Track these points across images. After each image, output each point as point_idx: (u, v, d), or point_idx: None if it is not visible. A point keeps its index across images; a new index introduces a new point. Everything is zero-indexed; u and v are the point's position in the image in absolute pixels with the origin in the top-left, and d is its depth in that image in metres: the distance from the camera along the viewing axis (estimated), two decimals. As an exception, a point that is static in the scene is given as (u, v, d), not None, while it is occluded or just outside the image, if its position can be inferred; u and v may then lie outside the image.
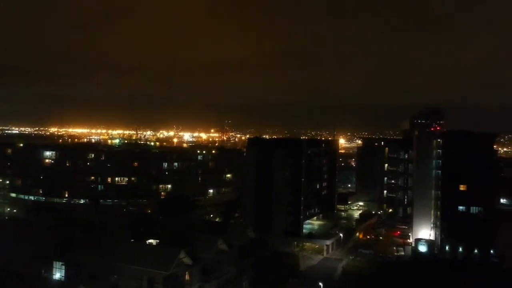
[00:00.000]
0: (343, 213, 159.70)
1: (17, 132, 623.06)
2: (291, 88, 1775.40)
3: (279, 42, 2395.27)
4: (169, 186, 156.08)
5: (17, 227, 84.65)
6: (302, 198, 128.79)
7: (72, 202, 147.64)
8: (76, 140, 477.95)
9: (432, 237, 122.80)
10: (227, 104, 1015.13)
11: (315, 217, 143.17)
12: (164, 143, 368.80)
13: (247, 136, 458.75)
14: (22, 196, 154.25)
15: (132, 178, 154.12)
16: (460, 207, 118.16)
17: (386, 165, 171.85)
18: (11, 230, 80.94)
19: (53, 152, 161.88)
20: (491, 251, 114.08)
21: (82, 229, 78.44)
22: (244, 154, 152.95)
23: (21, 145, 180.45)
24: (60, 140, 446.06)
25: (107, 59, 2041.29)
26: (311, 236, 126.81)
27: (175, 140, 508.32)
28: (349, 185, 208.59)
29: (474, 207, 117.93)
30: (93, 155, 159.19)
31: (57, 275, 70.70)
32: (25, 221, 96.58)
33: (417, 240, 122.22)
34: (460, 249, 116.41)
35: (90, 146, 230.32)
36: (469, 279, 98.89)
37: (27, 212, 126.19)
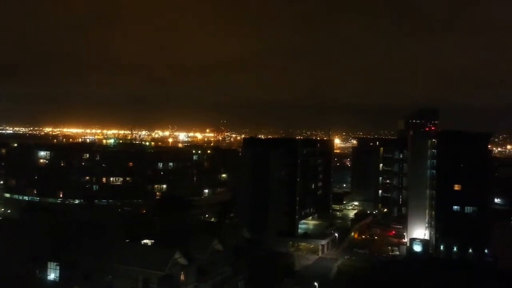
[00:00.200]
0: (338, 213, 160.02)
1: (11, 132, 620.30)
2: (287, 88, 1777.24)
3: (275, 42, 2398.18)
4: (164, 186, 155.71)
5: (11, 227, 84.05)
6: (298, 198, 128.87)
7: (67, 202, 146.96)
8: (70, 140, 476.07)
9: (426, 237, 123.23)
10: (223, 104, 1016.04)
11: (310, 217, 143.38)
12: (159, 143, 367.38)
13: (243, 136, 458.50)
14: (16, 196, 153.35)
15: (127, 178, 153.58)
16: (455, 207, 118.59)
17: (381, 165, 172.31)
18: (5, 231, 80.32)
19: (48, 152, 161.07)
20: (486, 251, 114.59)
21: (77, 230, 78.01)
22: (240, 154, 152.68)
23: (15, 145, 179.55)
24: (55, 140, 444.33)
25: (102, 59, 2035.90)
26: (307, 236, 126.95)
27: (170, 140, 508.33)
28: (344, 185, 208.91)
29: (468, 207, 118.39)
30: (88, 155, 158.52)
31: (52, 275, 70.40)
32: (19, 222, 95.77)
33: (412, 240, 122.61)
34: (455, 249, 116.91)
35: (85, 146, 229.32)
36: (464, 278, 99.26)
37: (21, 213, 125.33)
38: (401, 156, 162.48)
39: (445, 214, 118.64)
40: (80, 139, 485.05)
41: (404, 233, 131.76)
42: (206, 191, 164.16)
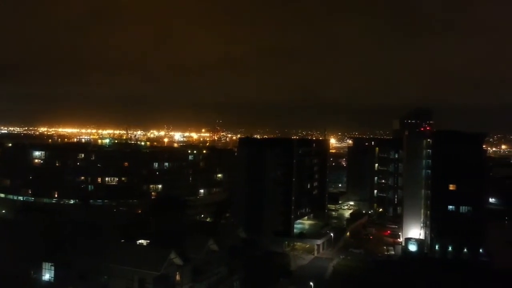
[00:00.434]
0: (334, 213, 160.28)
1: (5, 132, 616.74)
2: (282, 87, 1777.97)
3: (270, 42, 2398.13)
4: (160, 186, 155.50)
5: (6, 227, 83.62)
6: (293, 198, 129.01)
7: (62, 202, 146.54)
8: (66, 140, 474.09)
9: (422, 237, 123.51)
10: (218, 104, 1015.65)
11: (306, 217, 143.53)
12: (155, 143, 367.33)
13: (238, 136, 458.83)
14: (11, 197, 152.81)
15: (123, 178, 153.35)
16: (450, 207, 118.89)
17: (377, 164, 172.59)
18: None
19: (43, 152, 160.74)
20: (481, 251, 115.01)
21: (72, 230, 77.72)
22: (235, 154, 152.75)
23: (10, 145, 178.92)
24: (50, 140, 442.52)
25: (97, 58, 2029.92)
26: (302, 235, 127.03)
27: (165, 140, 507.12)
28: (340, 185, 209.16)
29: (463, 207, 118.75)
30: (83, 155, 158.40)
31: (47, 276, 70.19)
32: (14, 222, 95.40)
33: (407, 240, 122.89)
34: (450, 248, 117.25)
35: (80, 146, 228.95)
36: (459, 278, 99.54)
37: (16, 213, 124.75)
38: (396, 156, 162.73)
39: (440, 214, 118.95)
40: (75, 139, 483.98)
41: (400, 233, 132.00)
42: (202, 191, 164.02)
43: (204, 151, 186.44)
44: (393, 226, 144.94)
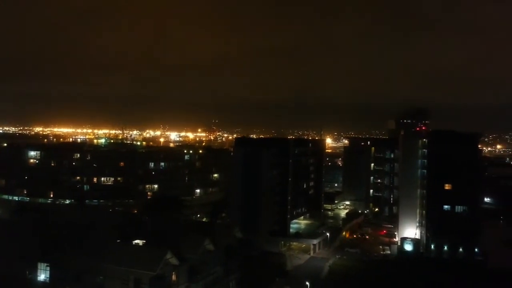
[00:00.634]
0: (330, 213, 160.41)
1: (0, 131, 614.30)
2: (278, 87, 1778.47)
3: (266, 41, 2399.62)
4: (156, 186, 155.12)
5: (1, 228, 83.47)
6: (289, 198, 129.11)
7: (57, 202, 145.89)
8: (61, 139, 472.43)
9: (417, 236, 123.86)
10: (214, 104, 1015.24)
11: (302, 217, 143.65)
12: (151, 143, 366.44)
13: (234, 135, 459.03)
14: (6, 197, 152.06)
15: (118, 178, 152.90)
16: (445, 206, 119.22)
17: (372, 164, 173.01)
18: (-6, 231, 79.75)
19: (38, 152, 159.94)
20: (476, 250, 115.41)
21: (68, 230, 77.58)
22: (231, 153, 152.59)
23: (5, 145, 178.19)
24: (45, 140, 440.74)
25: (93, 58, 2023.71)
26: (298, 235, 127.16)
27: (161, 139, 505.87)
28: (336, 185, 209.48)
29: (459, 206, 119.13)
30: (78, 155, 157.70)
31: (42, 276, 70.01)
32: (9, 222, 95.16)
33: (403, 239, 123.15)
34: (445, 248, 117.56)
35: (76, 146, 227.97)
36: (454, 277, 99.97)
37: (11, 213, 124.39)
38: (392, 156, 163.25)
39: (436, 214, 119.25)
40: (70, 139, 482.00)
41: (395, 232, 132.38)
42: (198, 191, 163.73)
43: (200, 151, 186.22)
44: (389, 226, 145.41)
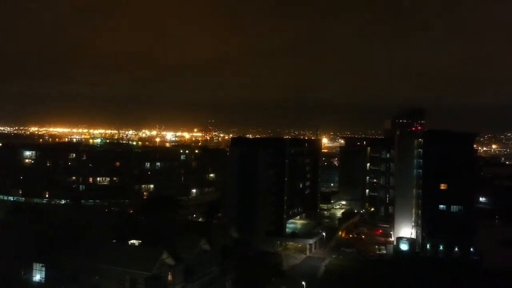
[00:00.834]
0: (326, 212, 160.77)
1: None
2: (275, 87, 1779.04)
3: (266, 41, 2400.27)
4: (152, 186, 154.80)
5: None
6: (285, 198, 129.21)
7: (53, 202, 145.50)
8: (57, 139, 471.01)
9: (413, 236, 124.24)
10: (213, 104, 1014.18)
11: (298, 217, 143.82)
12: (147, 143, 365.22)
13: (231, 135, 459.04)
14: (1, 197, 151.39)
15: (114, 178, 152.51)
16: (441, 206, 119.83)
17: (368, 164, 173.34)
18: (-11, 232, 79.34)
19: (33, 151, 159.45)
20: (471, 249, 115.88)
21: (63, 230, 77.29)
22: (228, 153, 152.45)
23: (0, 144, 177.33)
24: (41, 140, 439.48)
25: (88, 57, 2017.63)
26: (294, 235, 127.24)
27: (157, 139, 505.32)
28: (332, 184, 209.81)
29: (454, 206, 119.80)
30: (74, 155, 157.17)
31: (37, 277, 69.69)
32: (4, 222, 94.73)
33: (399, 239, 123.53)
34: (441, 247, 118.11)
35: (71, 146, 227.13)
36: (450, 277, 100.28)
37: (6, 213, 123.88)
38: (388, 156, 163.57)
39: (431, 213, 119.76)
40: (66, 139, 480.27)
41: (391, 232, 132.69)
42: (194, 191, 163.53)
43: (196, 151, 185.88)
44: (385, 226, 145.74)
